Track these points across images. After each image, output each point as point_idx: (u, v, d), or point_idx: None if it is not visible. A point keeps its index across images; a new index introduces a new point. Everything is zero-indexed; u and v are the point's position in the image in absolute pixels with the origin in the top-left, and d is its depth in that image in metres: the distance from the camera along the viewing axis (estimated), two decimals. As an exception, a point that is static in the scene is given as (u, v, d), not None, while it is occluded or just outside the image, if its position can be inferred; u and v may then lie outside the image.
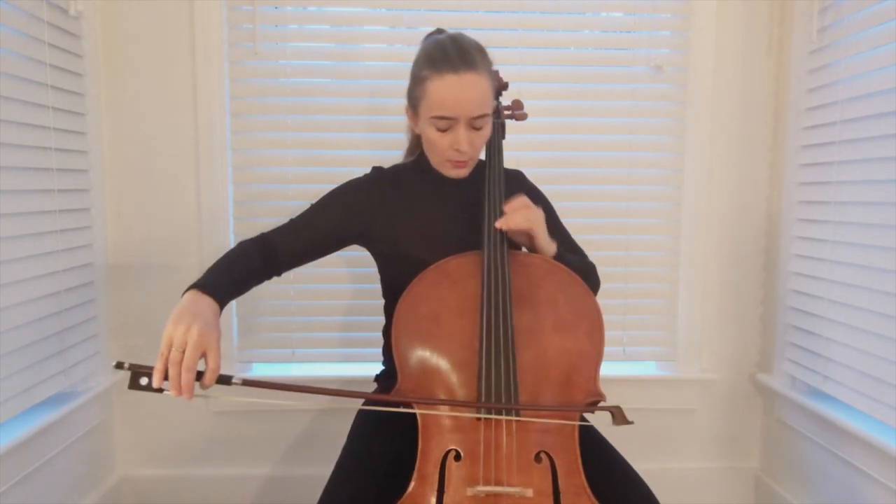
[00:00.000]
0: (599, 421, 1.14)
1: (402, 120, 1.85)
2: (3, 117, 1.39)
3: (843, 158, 1.59)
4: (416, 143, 1.34)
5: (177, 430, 1.94)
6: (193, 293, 1.04)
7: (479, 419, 1.04)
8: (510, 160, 1.38)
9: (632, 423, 1.02)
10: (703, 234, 1.92)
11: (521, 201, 1.18)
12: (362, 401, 1.23)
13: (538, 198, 1.34)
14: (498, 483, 1.00)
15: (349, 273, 1.90)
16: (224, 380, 0.97)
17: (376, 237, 1.30)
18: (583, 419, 1.14)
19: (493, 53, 1.21)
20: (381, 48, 1.85)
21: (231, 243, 1.86)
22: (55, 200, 1.58)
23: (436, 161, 1.25)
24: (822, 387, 1.67)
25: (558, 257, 1.22)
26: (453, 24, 1.78)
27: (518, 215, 1.16)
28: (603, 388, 1.12)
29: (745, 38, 1.88)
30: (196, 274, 1.86)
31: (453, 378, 1.08)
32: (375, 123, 1.86)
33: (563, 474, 1.03)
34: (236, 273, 1.16)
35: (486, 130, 1.20)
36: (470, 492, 1.00)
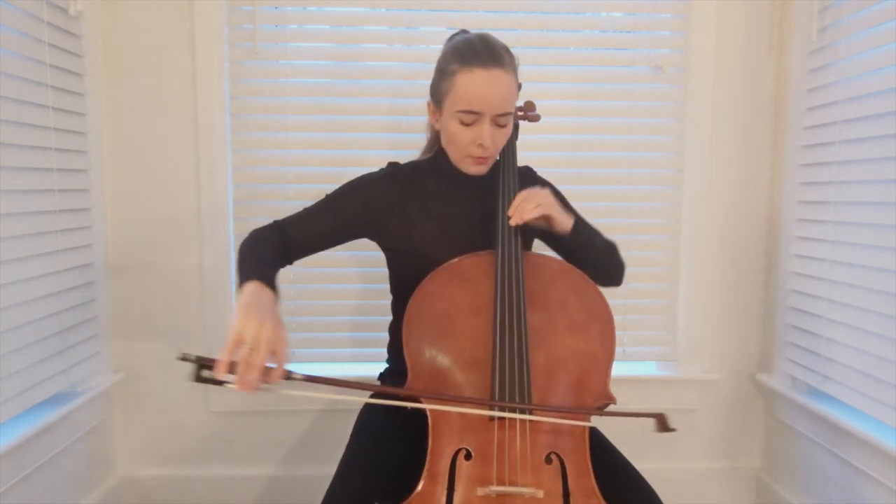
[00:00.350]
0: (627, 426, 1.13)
1: (403, 120, 1.88)
2: (3, 117, 1.39)
3: (844, 158, 1.59)
4: (435, 140, 1.34)
5: (177, 430, 1.94)
6: (256, 285, 1.02)
7: (492, 419, 1.04)
8: (509, 160, 1.37)
9: (674, 430, 1.04)
10: (704, 233, 1.92)
11: (522, 195, 1.18)
12: (362, 401, 1.23)
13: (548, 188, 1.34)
14: (511, 483, 1.00)
15: (349, 273, 1.89)
16: (286, 375, 0.96)
17: (391, 233, 1.29)
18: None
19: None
20: (381, 48, 1.85)
21: (231, 243, 1.86)
22: (55, 200, 1.58)
23: (456, 157, 1.24)
24: (822, 387, 1.67)
25: (577, 230, 1.22)
26: (453, 24, 1.78)
27: (527, 206, 1.15)
28: (605, 389, 1.12)
29: (745, 38, 1.88)
30: (196, 274, 1.89)
31: (466, 376, 1.08)
32: (376, 123, 1.86)
33: (573, 476, 1.03)
34: (272, 260, 1.15)
35: (509, 129, 1.20)
36: (481, 491, 1.00)
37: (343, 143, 1.86)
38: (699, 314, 1.95)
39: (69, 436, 1.66)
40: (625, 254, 1.33)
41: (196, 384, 0.95)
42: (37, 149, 1.51)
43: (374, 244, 1.34)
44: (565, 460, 1.04)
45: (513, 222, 1.16)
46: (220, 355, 0.91)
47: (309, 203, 1.32)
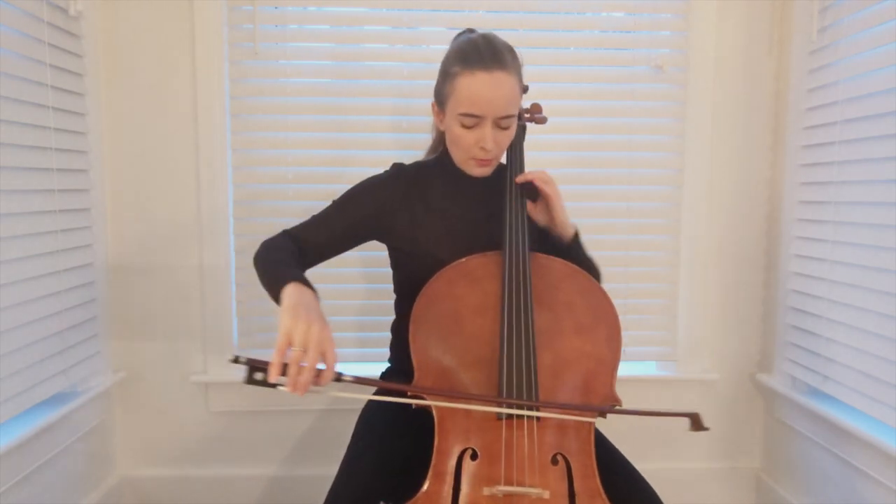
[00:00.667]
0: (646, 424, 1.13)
1: (403, 120, 1.88)
2: (3, 117, 1.39)
3: (844, 158, 1.59)
4: (440, 141, 1.34)
5: (177, 430, 1.94)
6: (296, 286, 1.03)
7: (499, 418, 1.04)
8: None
9: (708, 429, 1.06)
10: (704, 233, 1.92)
11: (539, 171, 1.23)
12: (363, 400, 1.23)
13: None
14: (517, 483, 1.00)
15: (352, 273, 1.89)
16: (336, 376, 0.97)
17: (397, 233, 1.29)
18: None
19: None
20: (382, 48, 1.85)
21: (231, 243, 1.86)
22: (55, 200, 1.58)
23: (459, 158, 1.24)
24: (822, 387, 1.67)
25: (576, 241, 1.25)
26: (454, 24, 1.78)
27: (538, 174, 1.20)
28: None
29: (745, 38, 1.88)
30: (196, 273, 1.89)
31: (472, 376, 1.08)
32: (376, 123, 1.86)
33: (578, 477, 1.03)
34: (296, 264, 1.16)
35: (512, 131, 1.20)
36: (487, 491, 0.99)
37: (343, 144, 1.86)
38: (699, 314, 1.95)
39: (69, 436, 1.66)
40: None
41: (250, 385, 0.95)
42: (37, 149, 1.51)
43: (377, 244, 1.34)
44: (571, 461, 1.04)
45: (518, 179, 1.21)
46: (272, 357, 0.92)
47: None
